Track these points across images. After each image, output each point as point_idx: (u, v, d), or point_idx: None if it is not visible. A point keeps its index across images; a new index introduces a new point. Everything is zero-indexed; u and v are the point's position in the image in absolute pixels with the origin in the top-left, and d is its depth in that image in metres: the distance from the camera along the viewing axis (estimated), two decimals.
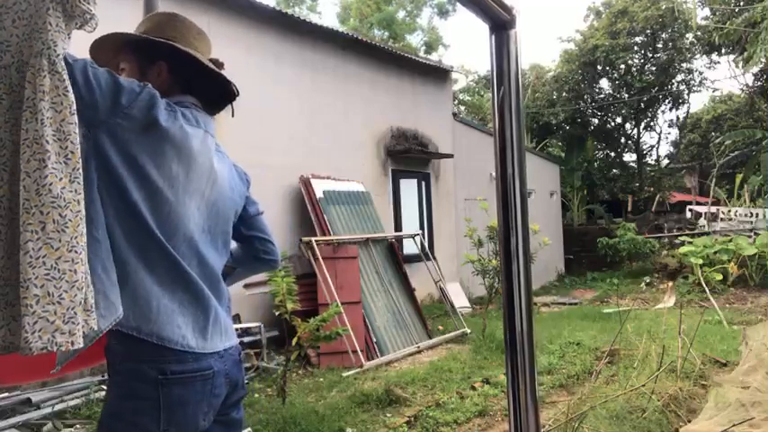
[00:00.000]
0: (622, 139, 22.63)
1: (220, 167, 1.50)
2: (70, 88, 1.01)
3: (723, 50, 19.11)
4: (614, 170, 21.99)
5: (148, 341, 1.29)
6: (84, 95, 1.14)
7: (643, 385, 4.16)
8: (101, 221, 1.21)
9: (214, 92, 1.57)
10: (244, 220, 1.67)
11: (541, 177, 14.41)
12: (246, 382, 1.60)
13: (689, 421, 3.77)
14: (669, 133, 33.93)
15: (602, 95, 21.51)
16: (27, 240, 0.93)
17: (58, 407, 4.44)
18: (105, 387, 4.84)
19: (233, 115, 1.62)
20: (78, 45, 1.13)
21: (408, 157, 9.67)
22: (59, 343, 0.95)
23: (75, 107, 1.02)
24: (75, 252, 0.99)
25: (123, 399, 1.30)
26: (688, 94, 21.72)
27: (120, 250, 1.26)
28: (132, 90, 1.26)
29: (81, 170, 1.02)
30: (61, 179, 0.97)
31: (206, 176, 1.43)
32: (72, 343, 0.97)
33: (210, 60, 1.55)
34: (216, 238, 1.49)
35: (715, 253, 11.15)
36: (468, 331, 7.46)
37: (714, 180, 16.67)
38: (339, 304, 5.83)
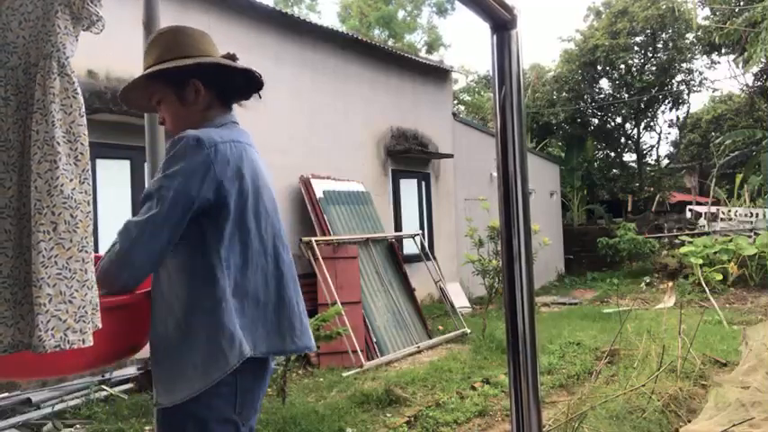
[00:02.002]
0: (622, 139, 22.62)
1: (267, 178, 1.64)
2: (79, 90, 1.02)
3: (723, 50, 19.11)
4: (614, 170, 21.98)
5: None
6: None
7: (643, 385, 4.16)
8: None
9: (242, 85, 1.67)
10: None
11: (541, 177, 14.41)
12: None
13: (689, 421, 3.77)
14: (669, 133, 33.93)
15: (602, 95, 21.49)
16: (39, 240, 0.94)
17: (58, 407, 4.44)
18: (105, 387, 4.85)
19: (260, 97, 1.73)
20: (83, 47, 1.13)
21: (408, 157, 9.68)
22: (71, 341, 0.97)
23: (84, 109, 1.02)
24: (86, 252, 1.01)
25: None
26: (688, 94, 21.72)
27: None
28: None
29: (90, 171, 1.03)
30: (72, 180, 0.99)
31: (264, 194, 1.57)
32: (83, 341, 1.00)
33: (225, 57, 1.62)
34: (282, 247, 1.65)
35: (715, 253, 11.15)
36: (468, 331, 7.46)
37: (714, 180, 16.66)
38: (339, 304, 5.83)
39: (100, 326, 1.04)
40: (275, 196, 1.66)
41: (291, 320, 1.54)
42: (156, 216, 1.34)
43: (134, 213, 1.55)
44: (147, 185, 1.45)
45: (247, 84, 1.67)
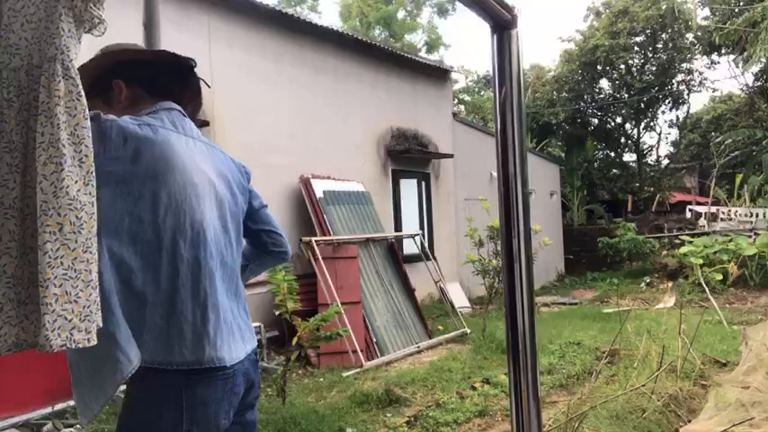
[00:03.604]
0: (622, 139, 22.61)
1: (201, 167, 1.46)
2: (83, 93, 1.02)
3: (723, 50, 19.11)
4: (614, 170, 21.97)
5: None
6: None
7: (643, 385, 4.16)
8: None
9: (172, 74, 1.55)
10: (249, 215, 1.66)
11: (541, 177, 14.41)
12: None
13: (689, 421, 3.78)
14: (669, 133, 33.97)
15: (602, 95, 21.49)
16: (46, 241, 0.95)
17: (58, 406, 4.43)
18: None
19: (209, 86, 1.63)
20: (84, 48, 1.13)
21: (408, 157, 9.68)
22: (77, 340, 0.98)
23: (88, 112, 1.03)
24: (90, 252, 1.02)
25: (147, 401, 1.31)
26: (688, 94, 21.71)
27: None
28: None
29: (94, 173, 1.04)
30: (77, 182, 1.00)
31: (177, 181, 1.38)
32: (88, 340, 1.00)
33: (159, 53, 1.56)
34: (231, 237, 1.52)
35: (715, 253, 11.15)
36: (468, 331, 7.46)
37: (714, 180, 16.66)
38: (339, 304, 5.83)
39: (101, 324, 1.05)
40: (225, 189, 1.51)
41: (182, 328, 1.31)
42: None
43: None
44: None
45: (180, 71, 1.56)
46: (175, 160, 1.35)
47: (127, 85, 1.48)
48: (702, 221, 16.00)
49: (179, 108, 1.51)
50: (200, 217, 1.38)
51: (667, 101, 21.62)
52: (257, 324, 6.05)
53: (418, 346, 6.88)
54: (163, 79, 1.52)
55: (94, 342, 1.01)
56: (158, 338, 1.30)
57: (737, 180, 16.84)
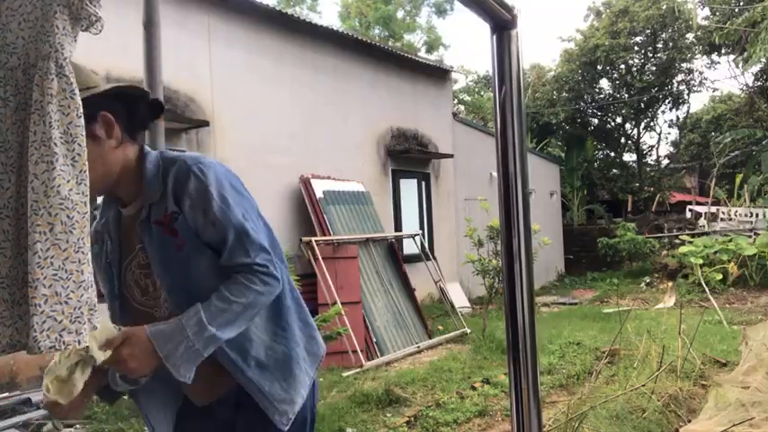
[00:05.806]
0: (622, 139, 22.60)
1: None
2: (77, 91, 1.02)
3: (723, 50, 19.10)
4: (614, 170, 21.95)
5: None
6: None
7: (643, 385, 4.16)
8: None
9: (146, 115, 1.46)
10: None
11: (541, 177, 14.40)
12: None
13: (689, 421, 3.77)
14: (669, 133, 33.92)
15: (602, 95, 21.49)
16: (36, 241, 0.94)
17: None
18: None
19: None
20: (82, 47, 1.13)
21: (408, 157, 9.68)
22: (67, 342, 0.97)
23: (81, 110, 1.02)
24: (82, 253, 1.00)
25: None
26: (688, 94, 21.70)
27: None
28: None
29: (87, 172, 1.03)
30: (69, 181, 0.99)
31: None
32: (78, 342, 0.99)
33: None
34: None
35: (715, 253, 11.15)
36: (468, 331, 7.46)
37: (714, 180, 16.65)
38: (339, 304, 5.83)
39: (98, 326, 1.04)
40: None
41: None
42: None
43: None
44: (231, 220, 1.37)
45: (149, 112, 1.47)
46: None
47: (116, 118, 1.34)
48: (702, 221, 15.99)
49: None
50: None
51: (667, 101, 21.61)
52: None
53: (418, 346, 6.88)
54: (139, 121, 1.43)
55: (85, 344, 1.00)
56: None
57: (737, 180, 16.83)
